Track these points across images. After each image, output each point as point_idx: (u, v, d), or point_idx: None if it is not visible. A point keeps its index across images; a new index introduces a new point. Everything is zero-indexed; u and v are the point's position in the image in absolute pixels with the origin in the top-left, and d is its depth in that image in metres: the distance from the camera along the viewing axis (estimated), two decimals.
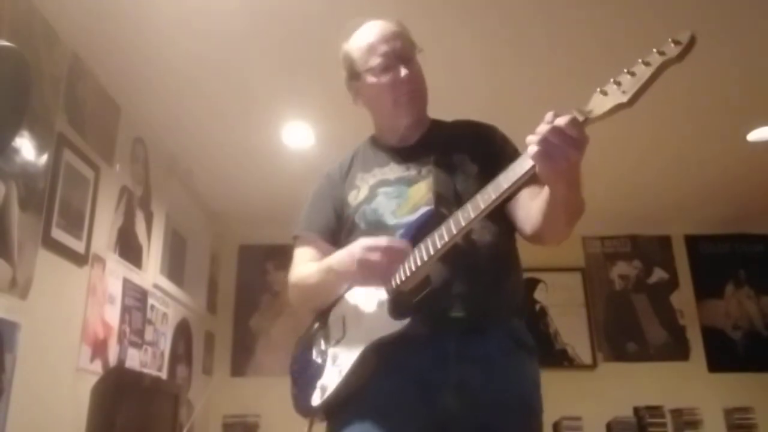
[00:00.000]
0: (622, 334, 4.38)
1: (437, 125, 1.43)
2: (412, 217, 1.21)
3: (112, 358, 2.65)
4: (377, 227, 1.26)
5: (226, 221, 4.35)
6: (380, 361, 1.15)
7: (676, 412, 4.02)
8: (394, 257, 1.13)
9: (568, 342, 4.36)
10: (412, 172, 1.31)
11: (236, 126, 3.13)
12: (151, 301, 3.13)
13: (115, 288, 2.73)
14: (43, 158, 2.18)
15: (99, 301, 2.56)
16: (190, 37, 2.44)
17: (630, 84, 0.91)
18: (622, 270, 4.57)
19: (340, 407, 1.20)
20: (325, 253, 1.31)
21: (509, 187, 1.02)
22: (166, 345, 3.35)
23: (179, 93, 2.82)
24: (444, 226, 1.10)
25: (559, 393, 4.08)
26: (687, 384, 4.19)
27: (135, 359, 2.90)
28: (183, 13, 2.30)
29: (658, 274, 4.55)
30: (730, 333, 4.40)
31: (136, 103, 2.87)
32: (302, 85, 2.76)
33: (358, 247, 1.15)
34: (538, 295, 4.48)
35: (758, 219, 4.42)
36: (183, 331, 3.65)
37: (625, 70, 0.92)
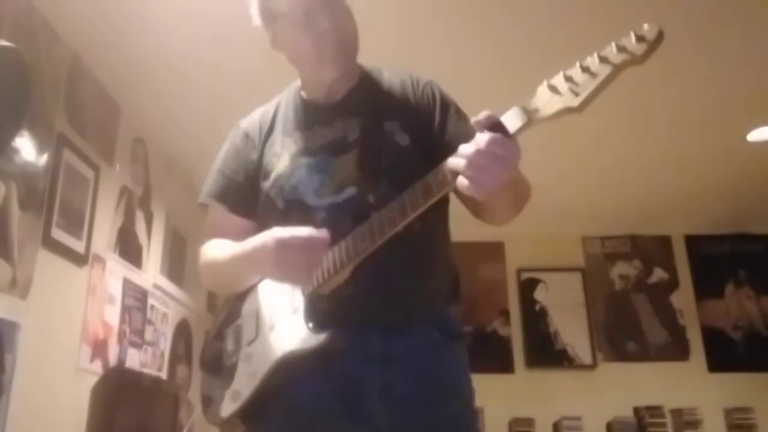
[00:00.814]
0: (622, 334, 4.38)
1: (368, 78, 1.25)
2: (335, 199, 1.10)
3: (112, 358, 2.65)
4: (297, 207, 1.13)
5: None
6: (298, 370, 1.05)
7: (676, 412, 4.02)
8: (314, 251, 1.01)
9: (568, 342, 4.35)
10: (338, 136, 1.16)
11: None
12: (151, 301, 3.13)
13: (115, 288, 2.73)
14: (43, 158, 2.18)
15: (99, 301, 2.55)
16: (190, 37, 2.44)
17: (583, 84, 0.80)
18: (622, 270, 4.57)
19: (254, 416, 1.09)
20: (235, 227, 1.19)
21: (440, 193, 0.95)
22: (166, 345, 3.35)
23: (179, 93, 2.82)
24: (366, 225, 1.01)
25: (559, 393, 4.11)
26: (687, 384, 4.19)
27: (135, 359, 2.90)
28: (183, 13, 2.30)
29: (658, 274, 4.55)
30: (730, 333, 4.40)
31: (136, 103, 2.87)
32: None
33: (272, 242, 1.01)
34: (538, 295, 4.48)
35: (758, 219, 4.42)
36: (183, 331, 3.65)
37: (578, 65, 0.81)
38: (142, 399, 2.65)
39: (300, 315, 1.06)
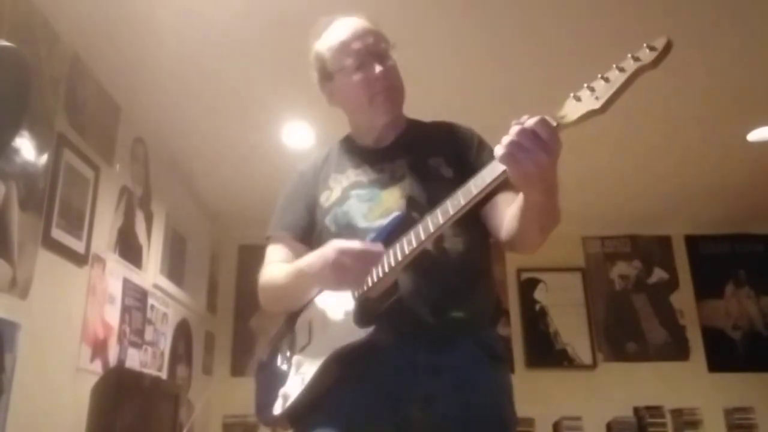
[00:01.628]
0: (622, 334, 4.38)
1: (414, 126, 1.39)
2: (384, 221, 1.17)
3: (112, 358, 2.65)
4: (348, 230, 1.23)
5: (226, 221, 4.35)
6: (344, 370, 1.12)
7: (676, 412, 4.02)
8: (369, 261, 1.09)
9: (568, 342, 4.36)
10: (386, 174, 1.28)
11: (236, 126, 3.13)
12: (151, 301, 3.13)
13: (115, 288, 2.73)
14: (43, 158, 2.18)
15: (99, 301, 2.56)
16: (190, 37, 2.44)
17: (603, 90, 0.89)
18: (622, 270, 4.57)
19: (302, 417, 1.16)
20: (297, 253, 1.28)
21: (479, 193, 1.00)
22: (166, 345, 3.35)
23: (179, 93, 2.82)
24: (413, 231, 1.07)
25: (559, 393, 4.11)
26: (687, 384, 4.19)
27: (135, 359, 2.90)
28: (183, 13, 2.30)
29: (658, 274, 4.55)
30: (730, 333, 4.40)
31: (136, 103, 2.87)
32: (302, 84, 2.76)
33: (331, 250, 1.10)
34: (538, 295, 4.48)
35: (758, 219, 4.43)
36: (183, 331, 3.65)
37: (600, 76, 0.90)
38: (142, 399, 2.65)
39: (350, 316, 1.13)
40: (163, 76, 2.69)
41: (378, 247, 1.10)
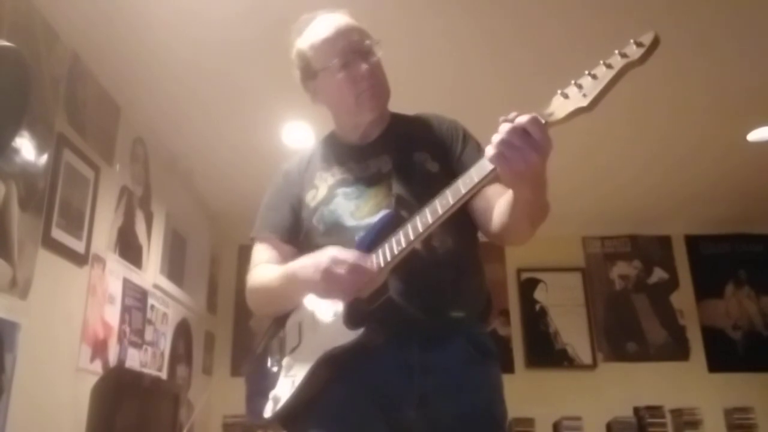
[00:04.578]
0: (622, 334, 4.38)
1: (398, 120, 1.37)
2: (372, 219, 1.16)
3: (112, 358, 2.65)
4: (335, 229, 1.21)
5: (226, 221, 4.34)
6: (334, 371, 1.11)
7: (676, 412, 4.02)
8: (360, 274, 1.06)
9: (568, 342, 4.36)
10: (372, 171, 1.26)
11: (236, 126, 3.13)
12: (151, 301, 3.13)
13: (115, 288, 2.73)
14: (43, 158, 2.18)
15: (99, 301, 2.56)
16: (190, 38, 2.44)
17: (591, 87, 0.88)
18: (622, 270, 4.57)
19: (293, 419, 1.15)
20: (283, 255, 1.27)
21: (468, 191, 0.99)
22: (166, 345, 3.35)
23: (179, 93, 2.82)
24: (402, 230, 1.07)
25: (559, 393, 4.11)
26: (687, 384, 4.19)
27: (135, 359, 2.90)
28: (183, 13, 2.30)
29: (658, 274, 4.55)
30: (730, 333, 4.40)
31: (136, 103, 2.87)
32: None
33: (325, 257, 1.08)
34: (538, 295, 4.48)
35: (758, 219, 4.42)
36: (183, 331, 3.65)
37: (587, 72, 0.90)
38: (142, 399, 2.65)
39: (340, 317, 1.11)
40: (163, 76, 2.69)
41: (371, 263, 1.07)
